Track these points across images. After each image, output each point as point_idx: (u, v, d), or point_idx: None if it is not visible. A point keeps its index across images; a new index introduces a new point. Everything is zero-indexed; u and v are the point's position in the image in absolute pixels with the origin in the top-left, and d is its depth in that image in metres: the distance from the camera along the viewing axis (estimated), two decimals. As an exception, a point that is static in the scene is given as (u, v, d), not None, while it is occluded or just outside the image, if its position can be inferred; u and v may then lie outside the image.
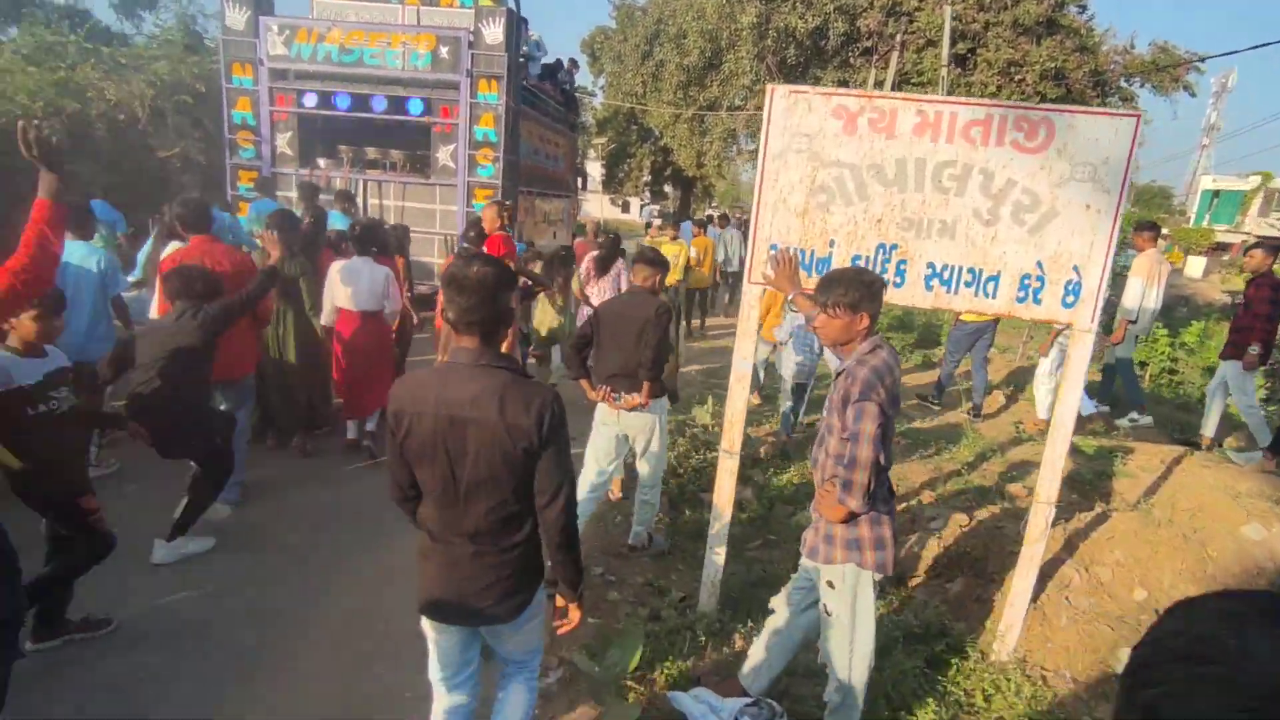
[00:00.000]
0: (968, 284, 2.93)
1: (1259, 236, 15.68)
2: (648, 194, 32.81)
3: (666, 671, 2.91)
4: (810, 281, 3.04)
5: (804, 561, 2.55)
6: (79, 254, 4.19)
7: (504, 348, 1.97)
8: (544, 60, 10.99)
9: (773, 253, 3.04)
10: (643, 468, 3.97)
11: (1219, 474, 4.22)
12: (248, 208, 7.86)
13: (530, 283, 5.65)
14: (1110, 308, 6.38)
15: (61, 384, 2.81)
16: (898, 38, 18.30)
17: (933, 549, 4.03)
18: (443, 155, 8.43)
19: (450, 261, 5.29)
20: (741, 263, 12.26)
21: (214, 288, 3.60)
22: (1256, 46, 16.02)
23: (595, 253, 6.61)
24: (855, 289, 2.30)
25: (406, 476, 1.90)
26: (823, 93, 2.92)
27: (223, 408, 4.09)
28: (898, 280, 2.94)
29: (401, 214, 8.41)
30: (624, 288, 6.14)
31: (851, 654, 2.42)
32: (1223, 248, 30.70)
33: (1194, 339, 9.38)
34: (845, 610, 2.38)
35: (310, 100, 8.40)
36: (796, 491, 4.94)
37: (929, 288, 2.96)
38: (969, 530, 4.00)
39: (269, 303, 4.35)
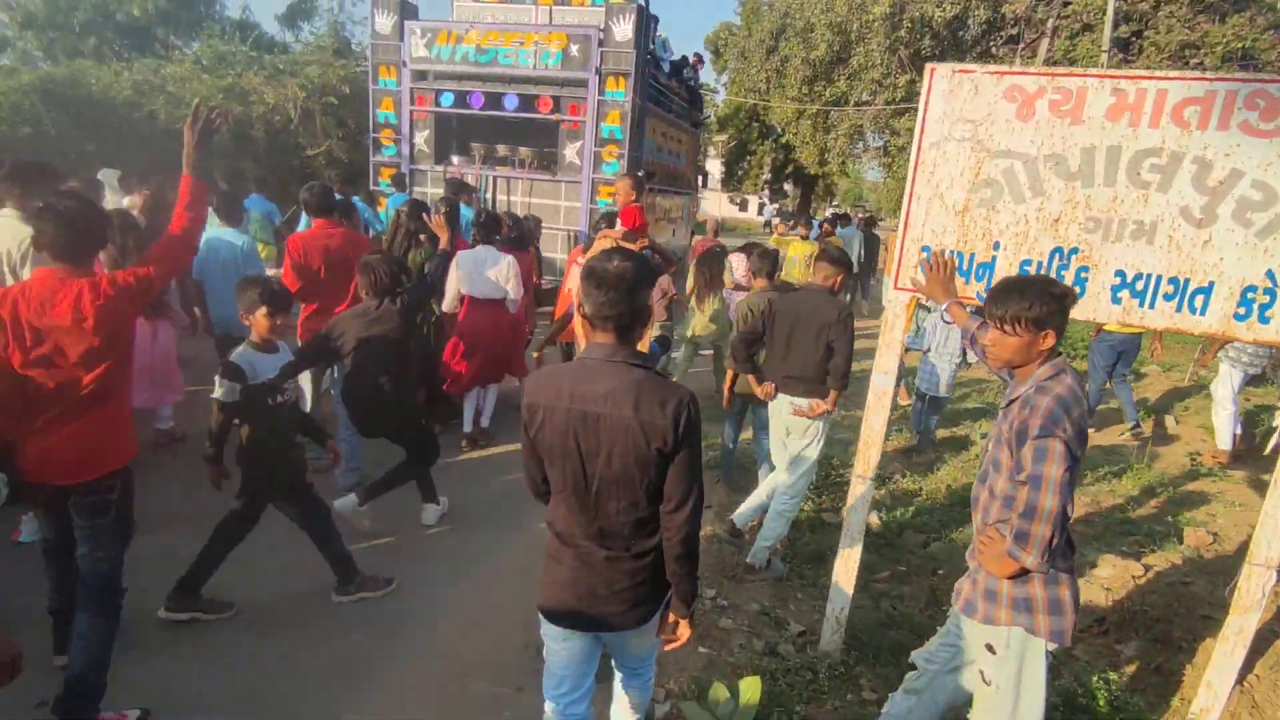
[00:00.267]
0: (1168, 296, 2.44)
1: None
2: (767, 192, 32.16)
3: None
4: (968, 289, 2.67)
5: (956, 613, 2.19)
6: (228, 238, 4.52)
7: (640, 346, 1.87)
8: (670, 59, 10.86)
9: (925, 256, 2.68)
10: (788, 474, 3.69)
11: None
12: (385, 202, 8.26)
13: (659, 257, 5.44)
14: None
15: (292, 375, 3.08)
16: (1049, 22, 16.75)
17: (1096, 599, 3.49)
18: (569, 152, 8.52)
19: (573, 256, 5.33)
20: (860, 264, 11.71)
21: (396, 279, 3.70)
22: None
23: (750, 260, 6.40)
24: (1042, 302, 1.91)
25: (539, 471, 1.90)
26: (994, 71, 2.53)
27: None
28: (1077, 291, 2.50)
29: (528, 210, 8.55)
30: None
31: (1011, 732, 2.04)
32: None
33: None
34: (1008, 682, 2.00)
35: (447, 99, 8.74)
36: (930, 518, 4.48)
37: (1116, 300, 2.50)
38: (1145, 584, 3.43)
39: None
